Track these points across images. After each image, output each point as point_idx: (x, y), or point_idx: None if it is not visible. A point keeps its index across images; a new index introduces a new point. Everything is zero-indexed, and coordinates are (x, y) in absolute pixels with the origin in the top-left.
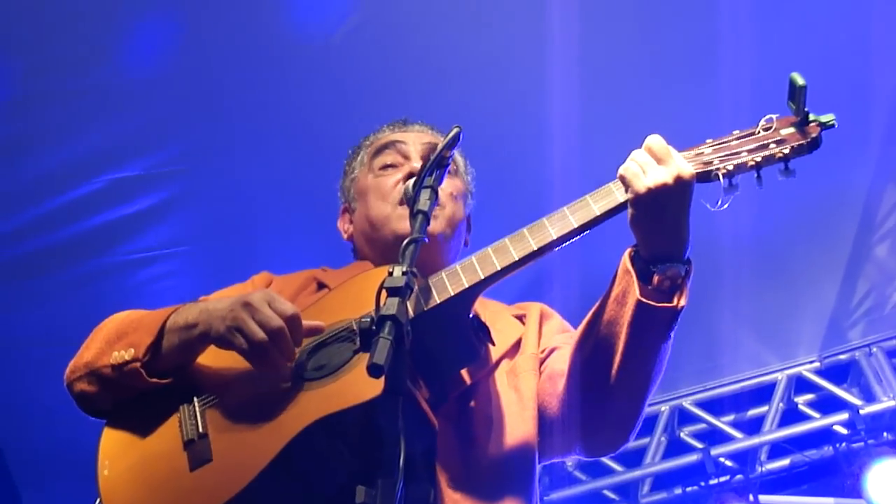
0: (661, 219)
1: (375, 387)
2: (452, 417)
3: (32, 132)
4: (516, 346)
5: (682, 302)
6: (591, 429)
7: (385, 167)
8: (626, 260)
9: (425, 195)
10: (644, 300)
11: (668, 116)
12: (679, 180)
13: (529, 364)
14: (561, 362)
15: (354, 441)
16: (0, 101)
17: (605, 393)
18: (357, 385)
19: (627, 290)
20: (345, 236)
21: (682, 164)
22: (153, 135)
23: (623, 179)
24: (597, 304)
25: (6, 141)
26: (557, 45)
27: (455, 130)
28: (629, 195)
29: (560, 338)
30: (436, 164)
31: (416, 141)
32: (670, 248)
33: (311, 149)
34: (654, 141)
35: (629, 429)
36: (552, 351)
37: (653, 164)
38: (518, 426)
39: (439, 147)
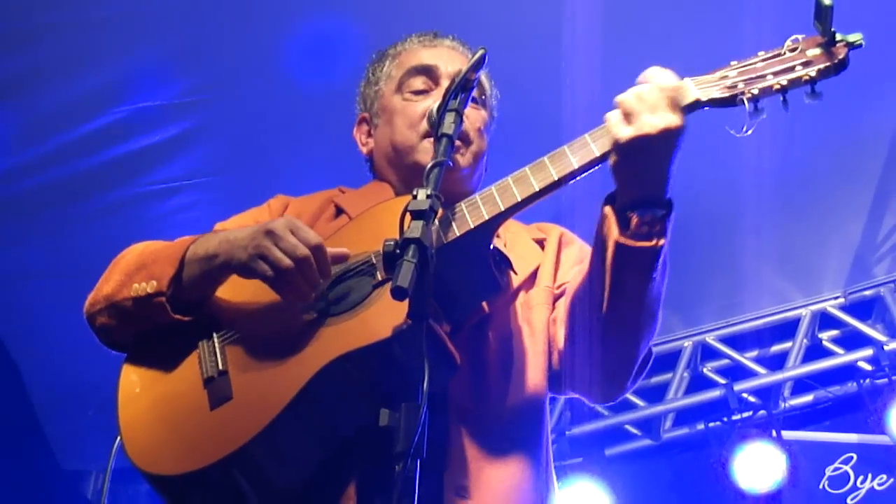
0: (641, 168)
1: (395, 323)
2: (466, 348)
3: (54, 62)
4: (533, 277)
5: (661, 242)
6: (586, 376)
7: (415, 92)
8: (605, 204)
9: (450, 118)
10: (622, 241)
11: (690, 37)
12: (665, 132)
13: (543, 297)
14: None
15: (376, 376)
16: (17, 30)
17: (596, 340)
18: (377, 321)
19: (608, 234)
20: (363, 150)
21: (671, 115)
22: (176, 64)
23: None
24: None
25: (28, 71)
26: None
27: (480, 52)
28: (610, 141)
29: (576, 270)
30: (460, 87)
31: (446, 64)
32: (649, 193)
33: (333, 77)
34: (645, 86)
35: (624, 378)
36: (565, 291)
37: (643, 112)
38: (529, 361)
39: (464, 70)
